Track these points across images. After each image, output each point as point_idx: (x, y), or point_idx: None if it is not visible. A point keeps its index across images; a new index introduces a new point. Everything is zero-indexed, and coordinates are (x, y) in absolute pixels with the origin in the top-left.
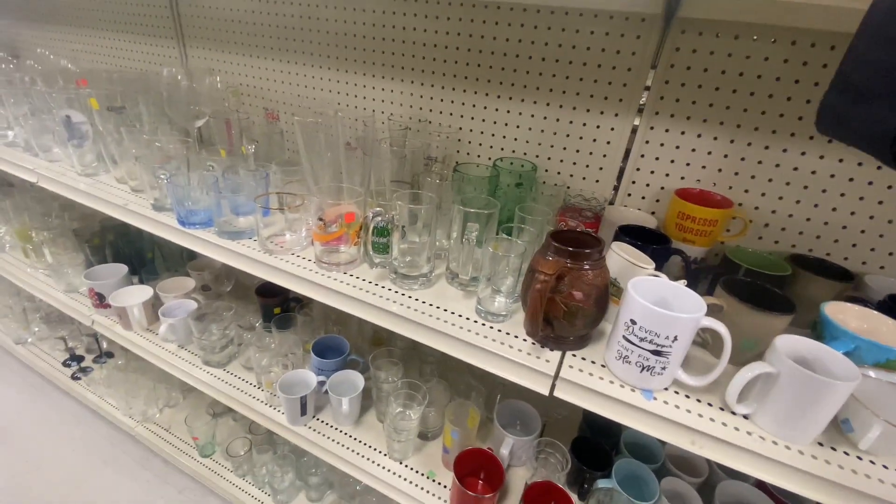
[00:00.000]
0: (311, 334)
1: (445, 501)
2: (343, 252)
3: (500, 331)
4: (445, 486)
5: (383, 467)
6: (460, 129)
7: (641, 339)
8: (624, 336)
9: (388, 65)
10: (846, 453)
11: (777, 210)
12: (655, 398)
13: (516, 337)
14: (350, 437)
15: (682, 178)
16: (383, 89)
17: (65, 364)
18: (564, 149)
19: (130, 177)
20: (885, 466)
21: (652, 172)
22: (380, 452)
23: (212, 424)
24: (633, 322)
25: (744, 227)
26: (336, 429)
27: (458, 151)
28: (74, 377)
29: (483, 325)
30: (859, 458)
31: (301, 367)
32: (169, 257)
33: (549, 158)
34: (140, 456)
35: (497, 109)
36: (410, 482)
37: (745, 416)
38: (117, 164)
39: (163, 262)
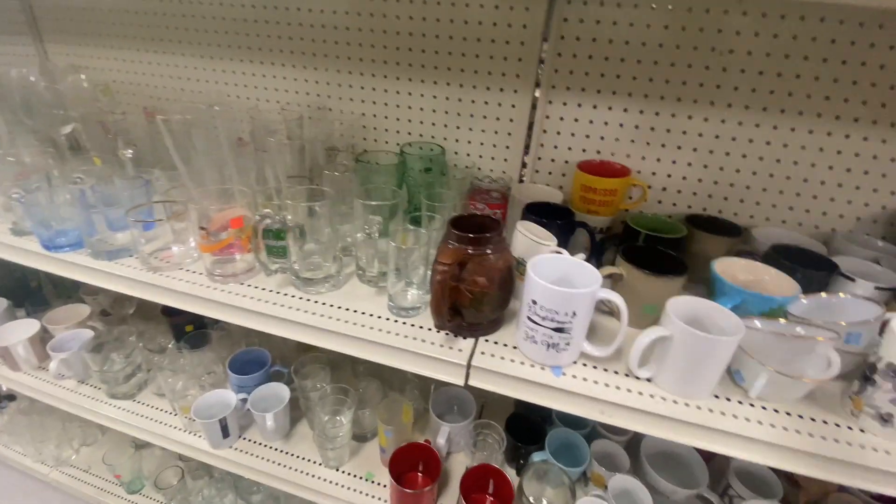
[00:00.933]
0: (230, 349)
1: (386, 501)
2: (239, 261)
3: (412, 325)
4: (385, 486)
5: (320, 478)
6: (363, 114)
7: (543, 318)
8: (528, 317)
9: (277, 49)
10: (740, 402)
11: (672, 174)
12: (564, 374)
13: (429, 330)
14: (282, 452)
15: (584, 150)
16: (274, 77)
17: None
18: (470, 129)
19: None
20: (775, 410)
21: (556, 147)
22: (315, 463)
23: (136, 458)
24: (535, 302)
25: (643, 194)
26: (265, 446)
27: (364, 139)
28: None
29: (395, 321)
30: (752, 405)
31: (222, 386)
32: (59, 284)
33: (456, 140)
34: (61, 502)
35: (399, 92)
36: (349, 488)
37: (649, 380)
38: None
39: (52, 289)
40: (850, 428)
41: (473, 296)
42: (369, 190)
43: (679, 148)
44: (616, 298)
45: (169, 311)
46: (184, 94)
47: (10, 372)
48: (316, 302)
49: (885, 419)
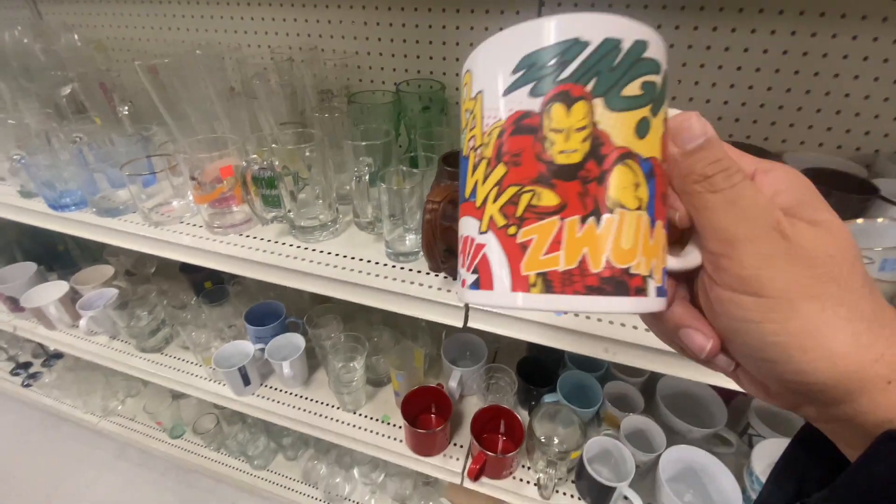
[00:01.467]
0: (248, 303)
1: (402, 441)
2: (237, 212)
3: (411, 270)
4: (400, 427)
5: (339, 420)
6: (356, 53)
7: None
8: None
9: None
10: None
11: (694, 97)
12: (566, 312)
13: (428, 274)
14: (302, 397)
15: None
16: (263, 19)
17: (13, 373)
18: None
19: None
20: None
21: None
22: (334, 407)
23: (175, 407)
24: None
25: None
26: (287, 392)
27: (360, 80)
28: (25, 384)
29: (393, 267)
30: None
31: (243, 338)
32: (84, 247)
33: (456, 75)
34: (113, 448)
35: (391, 24)
36: (366, 430)
37: None
38: None
39: (80, 252)
40: None
41: None
42: (362, 131)
43: (702, 66)
44: None
45: (187, 269)
46: (175, 45)
47: (47, 331)
48: (314, 250)
49: None
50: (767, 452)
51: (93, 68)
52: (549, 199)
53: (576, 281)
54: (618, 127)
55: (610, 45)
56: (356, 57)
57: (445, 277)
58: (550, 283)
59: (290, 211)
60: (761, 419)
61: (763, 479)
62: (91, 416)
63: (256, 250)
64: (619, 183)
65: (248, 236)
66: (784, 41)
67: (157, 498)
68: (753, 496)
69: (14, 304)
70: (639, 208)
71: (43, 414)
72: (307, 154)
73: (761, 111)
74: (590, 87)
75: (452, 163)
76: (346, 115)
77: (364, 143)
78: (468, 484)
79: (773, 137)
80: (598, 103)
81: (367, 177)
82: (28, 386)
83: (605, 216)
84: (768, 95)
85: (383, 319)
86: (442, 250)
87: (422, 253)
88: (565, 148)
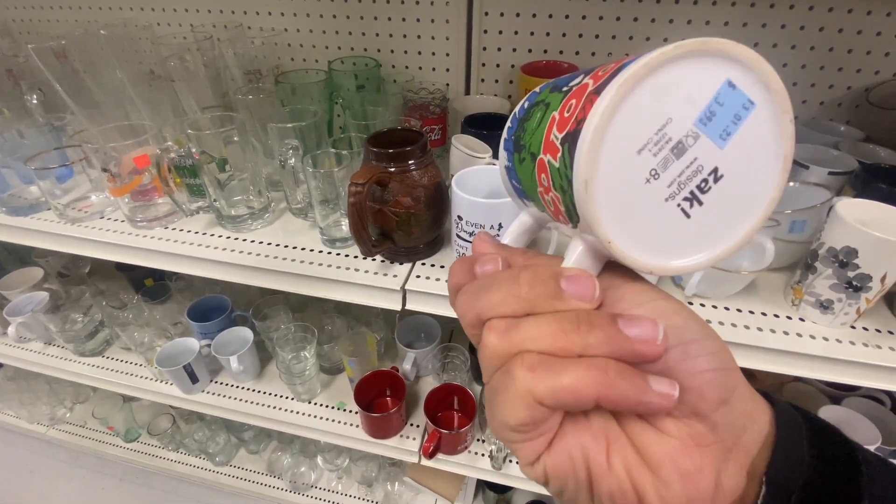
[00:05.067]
0: (193, 298)
1: (358, 426)
2: (161, 203)
3: (347, 256)
4: (357, 413)
5: (294, 411)
6: (285, 30)
7: (471, 234)
8: (457, 234)
9: None
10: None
11: None
12: None
13: (366, 259)
14: (255, 391)
15: (530, 50)
16: None
17: None
18: (405, 36)
19: None
20: (713, 307)
21: (499, 49)
22: (288, 398)
23: (127, 409)
24: (461, 218)
25: None
26: (238, 387)
27: (291, 59)
28: None
29: (329, 253)
30: (690, 303)
31: (189, 335)
32: (12, 249)
33: (391, 51)
34: (66, 456)
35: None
36: (323, 418)
37: None
38: None
39: (6, 255)
40: (789, 318)
41: (399, 218)
42: (290, 112)
43: (631, 38)
44: None
45: (124, 267)
46: (87, 26)
47: None
48: (245, 240)
49: (824, 306)
50: None
51: None
52: None
53: None
54: None
55: None
56: (285, 34)
57: (383, 261)
58: None
59: (216, 200)
60: None
61: None
62: (39, 426)
63: (183, 243)
64: None
65: (174, 229)
66: (706, 11)
67: (118, 503)
68: None
69: None
70: None
71: None
72: (234, 139)
73: None
74: None
75: (378, 143)
76: (275, 96)
77: (290, 125)
78: (425, 462)
79: None
80: None
81: (292, 160)
82: None
83: None
84: None
85: (336, 307)
86: (376, 233)
87: None
88: None
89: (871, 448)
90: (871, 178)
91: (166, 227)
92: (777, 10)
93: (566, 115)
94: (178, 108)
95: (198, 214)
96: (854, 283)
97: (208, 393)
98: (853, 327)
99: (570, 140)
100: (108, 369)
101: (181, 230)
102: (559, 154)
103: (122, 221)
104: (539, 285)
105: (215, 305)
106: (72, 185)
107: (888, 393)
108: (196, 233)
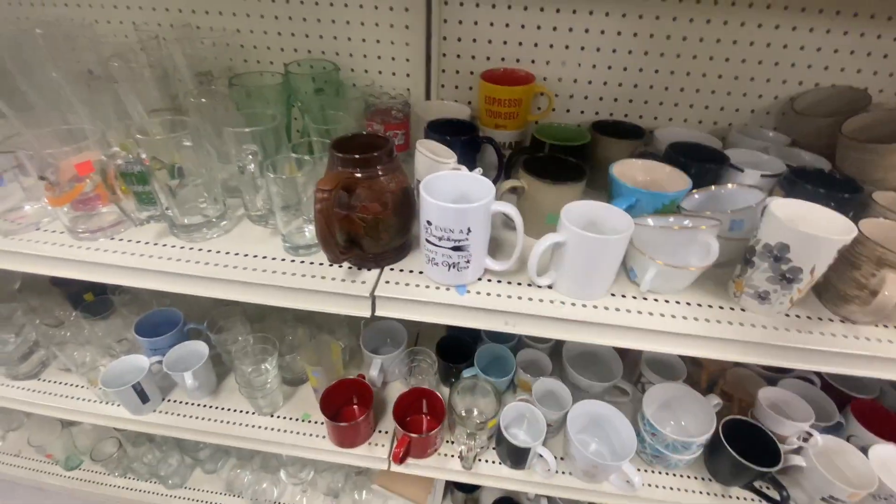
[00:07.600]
0: (139, 312)
1: (325, 437)
2: (105, 213)
3: (312, 263)
4: (323, 423)
5: (255, 426)
6: (238, 31)
7: (440, 238)
8: (426, 239)
9: None
10: (634, 298)
11: (578, 79)
12: (469, 291)
13: (331, 266)
14: (212, 407)
15: (488, 58)
16: None
17: None
18: (364, 40)
19: None
20: (665, 301)
21: (458, 56)
22: (248, 413)
23: (66, 435)
24: (430, 223)
25: (549, 103)
26: (193, 404)
27: (245, 61)
28: None
29: (292, 261)
30: (644, 299)
31: (136, 352)
32: None
33: (350, 55)
34: (2, 488)
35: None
36: (286, 431)
37: (550, 287)
38: None
39: None
40: (731, 309)
41: (367, 223)
42: (247, 117)
43: (582, 49)
44: (509, 209)
45: (60, 281)
46: (17, 23)
47: None
48: (200, 250)
49: (762, 297)
50: (656, 396)
51: None
52: None
53: None
54: None
55: None
56: (238, 35)
57: (350, 268)
58: None
59: (168, 208)
60: (651, 369)
61: (653, 421)
62: None
63: (132, 255)
64: None
65: (121, 240)
66: (650, 25)
67: None
68: (646, 437)
69: None
70: None
71: None
72: (186, 144)
73: (635, 91)
74: None
75: (343, 148)
76: (228, 99)
77: (247, 130)
78: (395, 468)
79: (647, 115)
80: None
81: (251, 166)
82: None
83: None
84: (640, 76)
85: (297, 315)
86: (343, 240)
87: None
88: None
89: (806, 425)
90: (797, 180)
91: (112, 238)
92: (713, 25)
93: None
94: (121, 110)
95: (148, 224)
96: (787, 275)
97: (160, 412)
98: (787, 315)
99: None
100: (45, 392)
101: (129, 241)
102: None
103: (62, 233)
104: None
105: (166, 319)
106: (3, 195)
107: (818, 374)
108: (146, 243)
